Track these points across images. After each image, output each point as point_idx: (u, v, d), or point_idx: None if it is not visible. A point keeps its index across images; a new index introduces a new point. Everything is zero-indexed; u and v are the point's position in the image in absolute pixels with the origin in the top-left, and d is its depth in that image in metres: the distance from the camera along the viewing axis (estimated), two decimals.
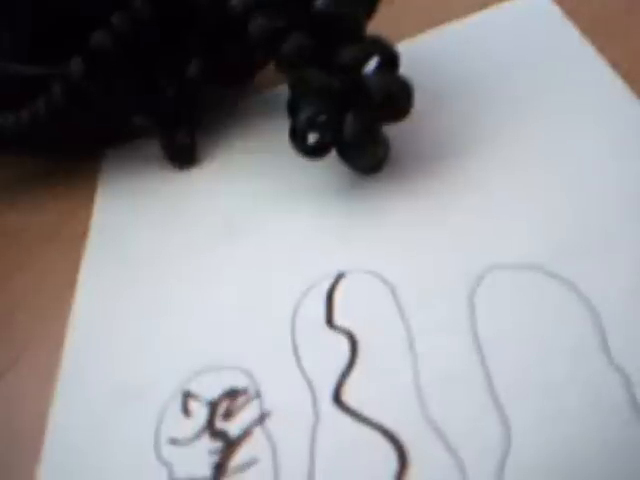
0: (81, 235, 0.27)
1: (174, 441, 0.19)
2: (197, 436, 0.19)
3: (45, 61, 0.28)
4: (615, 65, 0.24)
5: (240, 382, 0.20)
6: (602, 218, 0.20)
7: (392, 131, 0.24)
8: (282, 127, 0.24)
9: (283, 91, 0.25)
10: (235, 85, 0.30)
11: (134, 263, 0.25)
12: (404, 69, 0.23)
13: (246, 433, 0.18)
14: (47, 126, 0.27)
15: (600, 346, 0.17)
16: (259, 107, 0.30)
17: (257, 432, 0.18)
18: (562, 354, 0.17)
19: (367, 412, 0.18)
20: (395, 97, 0.22)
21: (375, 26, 0.24)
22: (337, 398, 0.18)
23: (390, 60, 0.22)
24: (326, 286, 0.21)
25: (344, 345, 0.19)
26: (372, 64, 0.22)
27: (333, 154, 0.24)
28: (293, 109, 0.24)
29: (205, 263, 0.24)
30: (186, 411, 0.19)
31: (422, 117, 0.24)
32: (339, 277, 0.21)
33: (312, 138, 0.23)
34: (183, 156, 0.28)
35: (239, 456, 0.18)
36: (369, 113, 0.22)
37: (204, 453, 0.18)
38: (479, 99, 0.25)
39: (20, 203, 0.30)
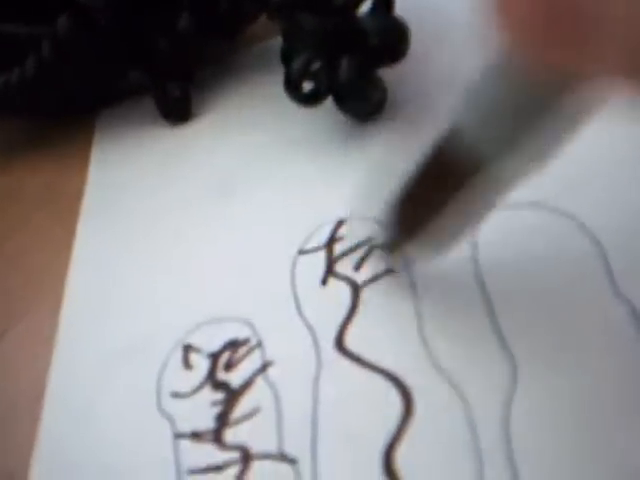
0: (77, 195, 0.26)
1: (176, 394, 0.19)
2: (199, 388, 0.18)
3: (35, 20, 0.27)
4: None
5: (241, 333, 0.19)
6: (602, 151, 0.19)
7: (389, 76, 0.23)
8: (277, 79, 0.24)
9: (277, 42, 0.25)
10: (227, 38, 0.29)
11: (131, 221, 0.25)
12: (399, 10, 0.22)
13: (248, 383, 0.18)
14: (37, 86, 0.26)
15: (605, 276, 0.16)
16: (253, 60, 0.29)
17: (259, 381, 0.18)
18: (567, 287, 0.17)
19: (370, 357, 0.17)
20: (391, 38, 0.22)
21: None
22: (340, 344, 0.18)
23: (385, 1, 0.22)
24: (326, 234, 0.21)
25: (345, 292, 0.19)
26: (366, 5, 0.22)
27: (330, 104, 0.23)
28: (287, 58, 0.23)
29: (203, 217, 0.23)
30: (187, 364, 0.19)
31: (419, 59, 0.23)
32: (338, 224, 0.21)
33: (308, 87, 0.23)
34: (177, 111, 0.27)
35: (242, 406, 0.18)
36: (365, 56, 0.21)
37: (206, 405, 0.18)
38: (476, 40, 0.25)
39: (14, 166, 0.30)
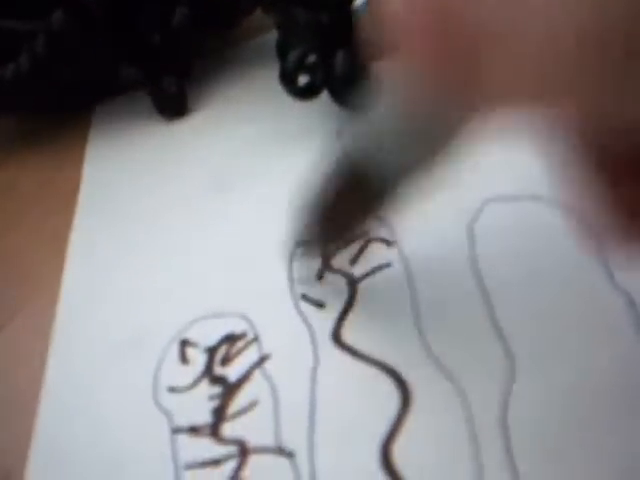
0: (72, 192, 0.26)
1: (173, 389, 0.19)
2: (196, 383, 0.18)
3: (30, 15, 0.27)
4: None
5: (238, 327, 0.19)
6: None
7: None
8: (273, 73, 0.24)
9: (273, 37, 0.25)
10: (223, 32, 0.29)
11: (127, 217, 0.25)
12: None
13: (245, 377, 0.18)
14: (32, 82, 0.26)
15: (603, 268, 0.16)
16: (249, 54, 0.29)
17: (257, 375, 0.18)
18: (565, 279, 0.17)
19: (367, 350, 0.17)
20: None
21: None
22: (336, 338, 0.18)
23: None
24: None
25: (342, 286, 0.19)
26: None
27: (326, 98, 0.23)
28: (282, 51, 0.23)
29: (200, 213, 0.23)
30: (184, 359, 0.19)
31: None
32: None
33: (303, 80, 0.23)
34: (172, 106, 0.27)
35: (239, 400, 0.18)
36: (360, 49, 0.21)
37: (204, 399, 0.18)
38: None
39: (9, 162, 0.30)
